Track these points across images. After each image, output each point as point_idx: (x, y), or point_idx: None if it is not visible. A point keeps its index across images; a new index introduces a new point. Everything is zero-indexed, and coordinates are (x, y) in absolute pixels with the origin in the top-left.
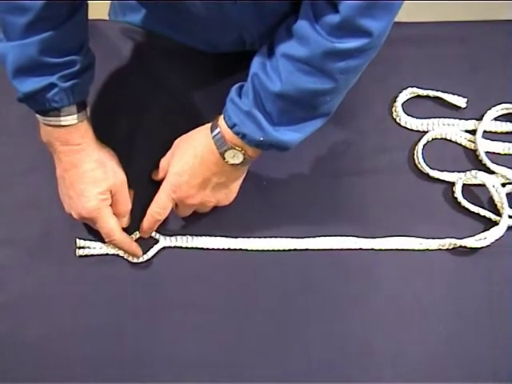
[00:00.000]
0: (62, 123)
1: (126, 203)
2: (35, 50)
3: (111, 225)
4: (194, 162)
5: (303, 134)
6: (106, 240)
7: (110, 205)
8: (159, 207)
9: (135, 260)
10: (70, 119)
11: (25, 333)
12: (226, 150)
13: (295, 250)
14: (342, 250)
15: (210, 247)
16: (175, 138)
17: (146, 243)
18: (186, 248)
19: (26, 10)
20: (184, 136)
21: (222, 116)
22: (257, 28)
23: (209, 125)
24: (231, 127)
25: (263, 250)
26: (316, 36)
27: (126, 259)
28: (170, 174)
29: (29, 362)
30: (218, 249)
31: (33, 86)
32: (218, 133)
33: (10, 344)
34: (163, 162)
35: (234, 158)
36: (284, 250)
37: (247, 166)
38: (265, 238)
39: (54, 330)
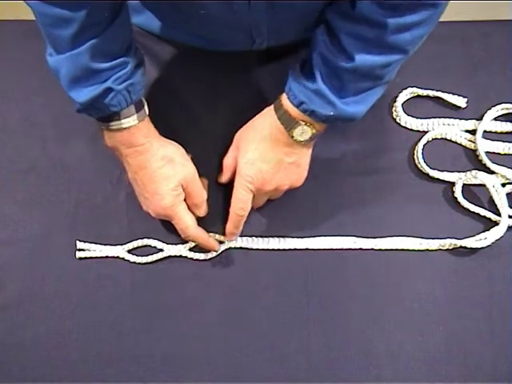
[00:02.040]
0: (124, 125)
1: (199, 194)
2: (86, 58)
3: (187, 222)
4: (263, 146)
5: (367, 105)
6: (182, 236)
7: (185, 199)
8: (241, 203)
9: (139, 260)
10: (131, 120)
11: (25, 333)
12: (294, 128)
13: (295, 249)
14: (342, 249)
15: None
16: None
17: (147, 248)
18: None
19: (70, 21)
20: (244, 126)
21: (284, 95)
22: (267, 27)
23: (271, 107)
24: (298, 105)
25: (263, 250)
26: (380, 17)
27: (127, 259)
28: (242, 165)
29: (29, 362)
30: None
31: (90, 95)
32: (284, 112)
33: (10, 344)
34: (227, 160)
35: (303, 134)
36: (284, 250)
37: (314, 141)
38: (265, 237)
39: (53, 330)
